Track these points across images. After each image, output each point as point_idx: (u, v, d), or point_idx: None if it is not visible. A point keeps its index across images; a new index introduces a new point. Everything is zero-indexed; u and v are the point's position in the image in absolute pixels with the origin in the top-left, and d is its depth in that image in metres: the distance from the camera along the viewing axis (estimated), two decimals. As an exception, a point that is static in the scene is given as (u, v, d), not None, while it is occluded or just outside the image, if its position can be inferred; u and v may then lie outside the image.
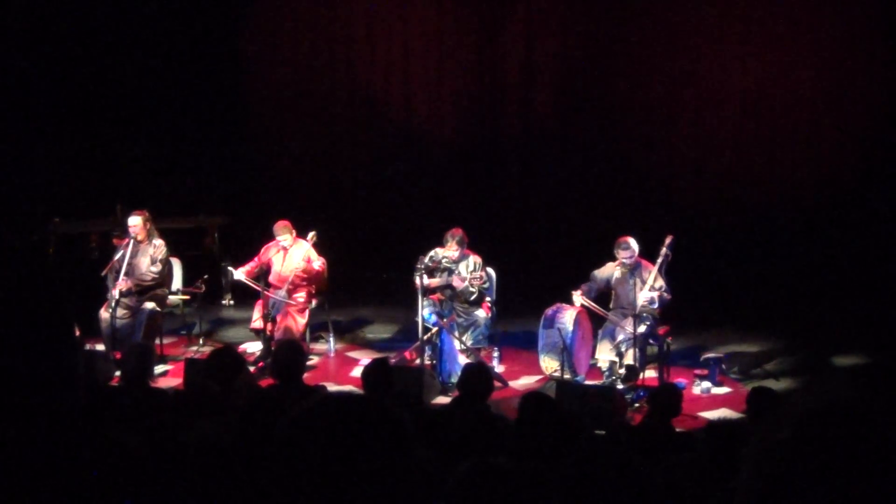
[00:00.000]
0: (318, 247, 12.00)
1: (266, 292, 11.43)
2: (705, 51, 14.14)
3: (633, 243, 10.76)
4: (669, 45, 14.29)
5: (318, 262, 11.79)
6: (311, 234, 11.88)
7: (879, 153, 13.40)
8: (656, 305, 10.62)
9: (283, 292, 11.58)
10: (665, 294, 10.67)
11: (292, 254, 11.81)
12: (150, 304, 11.40)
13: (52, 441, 3.14)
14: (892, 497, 2.07)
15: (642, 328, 10.42)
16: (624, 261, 10.75)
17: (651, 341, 10.67)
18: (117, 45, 15.21)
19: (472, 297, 11.42)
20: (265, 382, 8.94)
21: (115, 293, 11.18)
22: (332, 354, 12.07)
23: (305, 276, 11.74)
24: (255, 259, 11.88)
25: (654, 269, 10.67)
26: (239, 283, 11.84)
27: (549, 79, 15.00)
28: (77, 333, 9.39)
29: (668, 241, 10.74)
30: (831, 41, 13.60)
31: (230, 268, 11.91)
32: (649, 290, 10.58)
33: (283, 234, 11.75)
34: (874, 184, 13.38)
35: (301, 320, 11.60)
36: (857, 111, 13.60)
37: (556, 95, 15.00)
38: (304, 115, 15.91)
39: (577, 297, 10.74)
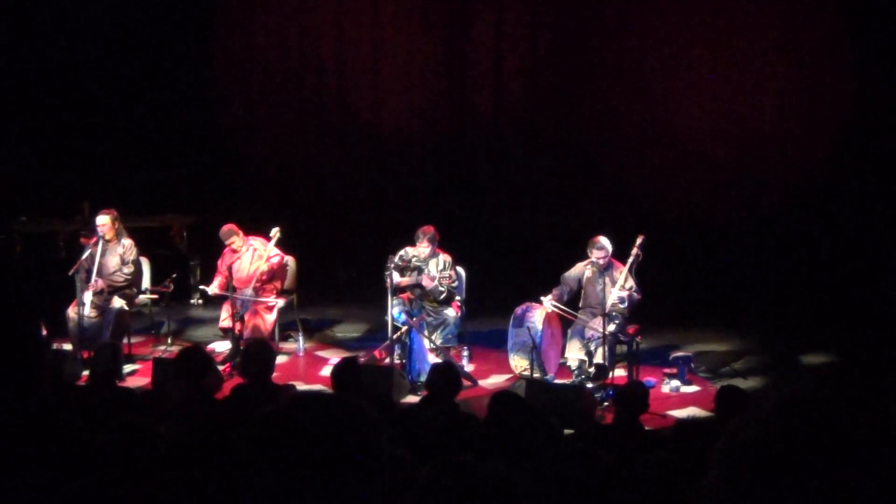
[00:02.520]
0: (284, 244, 12.00)
1: (235, 295, 11.39)
2: (678, 47, 14.20)
3: (606, 243, 10.77)
4: (641, 40, 14.35)
5: (275, 258, 11.80)
6: (273, 231, 11.86)
7: (850, 150, 13.49)
8: (626, 305, 10.65)
9: (249, 290, 11.57)
10: (635, 294, 10.70)
11: (247, 254, 11.82)
12: (118, 303, 11.36)
13: (18, 441, 3.13)
14: (859, 494, 2.09)
15: (612, 327, 10.45)
16: (596, 260, 10.76)
17: (621, 340, 10.70)
18: (84, 40, 15.11)
19: (442, 297, 11.43)
20: (234, 382, 8.91)
21: (89, 294, 11.12)
22: (301, 353, 12.05)
23: (267, 274, 11.74)
24: (218, 271, 11.88)
25: (625, 269, 10.70)
26: (215, 296, 11.83)
27: (519, 75, 15.02)
28: (44, 333, 9.35)
29: (639, 240, 10.77)
30: (805, 36, 13.70)
31: (204, 287, 11.92)
32: (619, 289, 10.62)
33: (230, 238, 11.78)
34: (843, 181, 13.48)
35: (270, 318, 11.59)
36: (824, 110, 13.70)
37: (527, 92, 15.04)
38: (274, 112, 15.86)
39: (548, 303, 10.75)
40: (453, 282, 11.41)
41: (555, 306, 10.76)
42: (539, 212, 14.97)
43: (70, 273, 11.37)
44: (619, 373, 10.67)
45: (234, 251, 11.81)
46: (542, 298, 10.79)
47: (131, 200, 13.56)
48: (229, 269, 11.69)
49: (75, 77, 15.17)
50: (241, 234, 11.85)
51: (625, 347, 10.86)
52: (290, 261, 12.29)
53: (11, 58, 14.75)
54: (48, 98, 15.03)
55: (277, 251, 11.90)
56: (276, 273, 11.92)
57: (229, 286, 11.43)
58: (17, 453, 3.13)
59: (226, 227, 11.83)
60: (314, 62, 15.72)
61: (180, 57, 15.52)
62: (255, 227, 12.13)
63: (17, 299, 2.84)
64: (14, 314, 2.82)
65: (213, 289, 11.74)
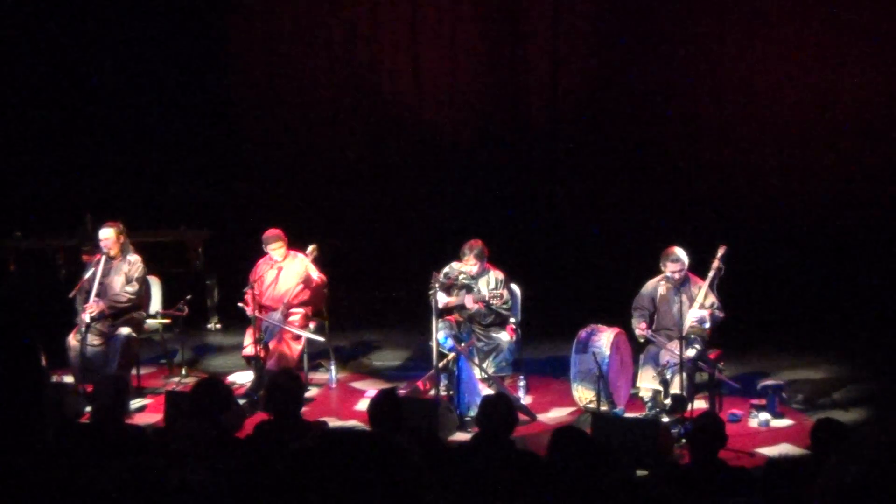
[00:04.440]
0: (318, 263, 12.01)
1: (258, 316, 11.39)
2: (759, 35, 14.14)
3: (682, 255, 10.72)
4: (717, 26, 14.29)
5: (316, 275, 11.81)
6: (310, 248, 11.88)
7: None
8: (707, 325, 10.57)
9: (277, 315, 11.58)
10: (717, 312, 10.63)
11: (287, 270, 11.82)
12: (125, 330, 11.40)
13: (17, 485, 3.16)
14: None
15: (691, 352, 10.38)
16: (671, 275, 10.70)
17: (701, 367, 10.63)
18: (89, 40, 15.27)
19: (489, 320, 11.40)
20: (257, 418, 8.94)
21: (86, 317, 11.18)
22: (333, 385, 12.06)
23: (303, 295, 11.76)
24: (249, 282, 11.84)
25: (705, 285, 10.64)
26: (239, 313, 11.82)
27: (579, 71, 15.01)
28: (43, 363, 9.43)
29: (720, 252, 10.70)
30: (889, 41, 13.63)
31: (242, 305, 11.79)
32: (699, 308, 10.56)
33: (274, 245, 11.75)
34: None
35: (297, 345, 11.60)
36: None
37: (589, 90, 15.01)
38: (300, 114, 15.94)
39: (641, 333, 10.68)
40: (505, 302, 11.38)
41: (652, 337, 10.69)
42: (604, 221, 14.93)
43: (71, 295, 11.46)
44: (699, 404, 10.60)
45: (273, 263, 11.81)
46: (635, 329, 10.74)
47: (139, 212, 13.65)
48: (259, 283, 11.69)
49: (77, 77, 15.33)
50: (286, 242, 11.87)
51: (706, 375, 10.79)
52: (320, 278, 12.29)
53: (8, 57, 14.90)
54: (46, 99, 15.18)
55: (317, 272, 11.91)
56: (310, 297, 11.93)
57: (255, 305, 11.42)
58: (15, 499, 3.15)
59: (271, 232, 11.82)
60: (345, 57, 15.77)
61: (195, 53, 15.63)
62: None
63: (13, 326, 2.87)
64: (9, 343, 2.85)
65: (250, 310, 11.52)
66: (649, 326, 10.76)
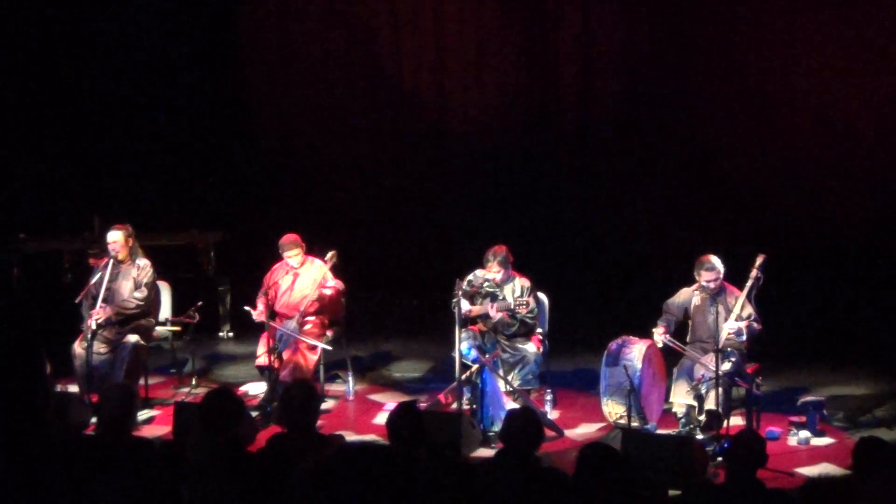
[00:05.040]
0: (337, 269, 12.02)
1: (272, 323, 11.42)
2: (802, 46, 14.10)
3: (717, 263, 10.69)
4: (757, 26, 14.26)
5: (331, 283, 11.81)
6: (329, 254, 11.89)
7: None
8: (744, 338, 10.54)
9: (293, 324, 11.60)
10: (755, 324, 10.60)
11: (304, 276, 11.85)
12: (132, 337, 11.42)
13: (18, 500, 3.18)
14: None
15: (727, 366, 10.33)
16: (706, 284, 10.68)
17: (737, 381, 10.60)
18: (96, 38, 15.34)
19: (513, 329, 11.40)
20: (271, 431, 8.96)
21: (92, 324, 11.21)
22: (350, 397, 12.07)
23: (317, 306, 11.78)
24: (263, 288, 11.90)
25: (742, 295, 10.61)
26: (250, 321, 11.85)
27: (612, 68, 14.99)
28: (48, 371, 9.47)
29: (759, 260, 10.68)
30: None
31: (249, 309, 11.85)
32: (735, 319, 10.53)
33: (292, 251, 11.78)
34: None
35: (313, 356, 11.62)
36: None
37: (621, 88, 14.99)
38: (316, 113, 15.96)
39: (660, 338, 10.68)
40: (531, 310, 11.37)
41: (670, 342, 10.68)
42: (636, 227, 14.90)
43: (77, 300, 11.49)
44: (736, 421, 10.58)
45: (289, 268, 11.85)
46: (654, 331, 10.72)
47: (149, 214, 13.70)
48: (274, 289, 11.73)
49: (83, 73, 15.38)
50: (303, 248, 11.90)
51: (742, 390, 10.76)
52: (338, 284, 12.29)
53: (12, 50, 14.98)
54: (52, 96, 15.24)
55: (334, 280, 11.93)
56: (326, 306, 11.96)
57: (268, 311, 11.47)
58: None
59: (288, 238, 11.83)
60: (364, 52, 15.79)
61: (206, 46, 15.67)
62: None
63: (16, 333, 2.89)
64: (12, 351, 2.87)
65: (257, 314, 11.64)
66: (668, 331, 10.73)
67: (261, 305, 11.63)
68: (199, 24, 15.63)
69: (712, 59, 14.51)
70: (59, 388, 10.98)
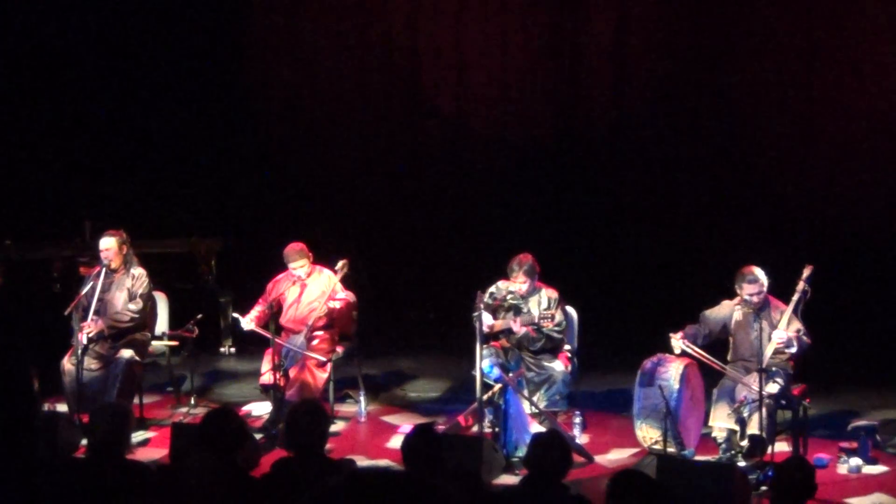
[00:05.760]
0: (347, 280, 12.02)
1: (278, 339, 11.43)
2: (858, 45, 14.10)
3: (761, 275, 10.65)
4: (808, 28, 14.26)
5: (341, 295, 11.81)
6: (340, 264, 11.88)
7: None
8: (794, 349, 10.45)
9: (300, 339, 11.60)
10: (804, 337, 10.55)
11: (312, 287, 11.85)
12: (126, 353, 11.43)
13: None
14: None
15: (771, 386, 10.31)
16: (749, 298, 10.64)
17: (783, 404, 10.58)
18: (93, 32, 15.42)
19: (539, 345, 11.38)
20: (276, 455, 8.96)
21: (83, 338, 11.22)
22: (362, 419, 12.06)
23: (326, 320, 11.78)
24: (263, 298, 11.91)
25: (788, 310, 10.57)
26: (251, 334, 11.86)
27: (648, 62, 15.00)
28: (36, 389, 9.48)
29: (806, 272, 10.64)
30: None
31: (237, 316, 11.90)
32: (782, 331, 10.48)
33: (298, 261, 11.78)
34: None
35: (322, 374, 11.62)
36: None
37: (656, 84, 15.00)
38: (324, 110, 15.99)
39: (677, 342, 10.62)
40: (558, 324, 11.36)
41: (689, 348, 10.64)
42: (672, 234, 14.90)
43: (66, 312, 11.48)
44: (781, 447, 10.55)
45: (301, 280, 11.85)
46: (672, 336, 10.68)
47: (144, 219, 13.72)
48: (279, 301, 11.73)
49: (73, 67, 15.45)
50: (311, 258, 11.89)
51: (788, 414, 10.74)
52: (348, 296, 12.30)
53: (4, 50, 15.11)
54: (39, 89, 15.29)
55: (344, 291, 11.93)
56: (336, 320, 11.96)
57: (270, 324, 11.45)
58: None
59: (293, 247, 11.82)
60: (379, 45, 15.82)
61: (208, 42, 15.72)
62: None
63: (1, 347, 2.90)
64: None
65: (247, 321, 11.72)
66: (691, 340, 10.67)
67: (253, 312, 11.65)
68: (204, 14, 15.66)
69: (757, 56, 14.52)
70: (46, 407, 10.99)
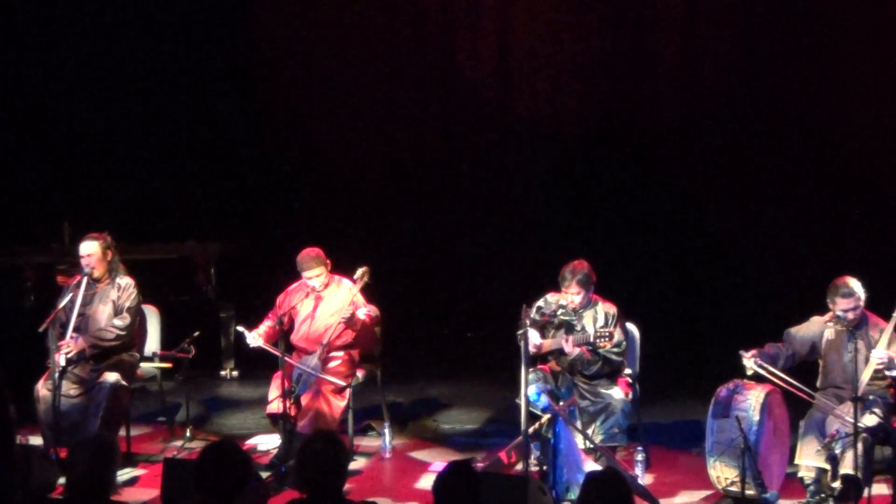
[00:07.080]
0: (369, 291, 11.97)
1: (289, 359, 11.40)
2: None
3: (857, 287, 10.55)
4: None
5: (364, 310, 11.76)
6: (359, 272, 11.82)
7: None
8: (895, 372, 10.40)
9: (314, 360, 11.57)
10: (910, 358, 10.47)
11: (328, 300, 11.81)
12: (111, 377, 11.41)
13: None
14: None
15: (869, 418, 10.25)
16: (843, 314, 10.56)
17: (882, 438, 10.50)
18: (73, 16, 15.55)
19: (594, 369, 11.31)
20: (287, 496, 8.94)
21: (61, 359, 11.21)
22: (387, 454, 12.05)
23: (348, 335, 11.74)
24: (273, 313, 11.87)
25: (889, 327, 10.48)
26: (258, 353, 11.82)
27: (723, 45, 15.03)
28: (12, 417, 9.47)
29: (909, 284, 10.61)
30: None
31: (242, 329, 11.85)
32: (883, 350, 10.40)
33: (313, 269, 11.71)
34: None
35: (339, 402, 11.59)
36: None
37: (735, 71, 15.00)
38: (342, 98, 16.03)
39: (748, 361, 10.54)
40: (617, 345, 11.28)
41: (763, 370, 10.55)
42: (751, 242, 14.88)
43: (41, 329, 11.46)
44: (879, 490, 10.49)
45: (316, 292, 11.80)
46: (741, 354, 10.57)
47: (132, 221, 13.74)
48: (290, 316, 11.70)
49: (54, 57, 15.54)
50: (328, 266, 11.85)
51: (888, 450, 10.66)
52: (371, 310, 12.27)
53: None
54: (13, 78, 15.39)
55: (366, 305, 11.87)
56: (358, 338, 11.90)
57: (280, 343, 11.40)
58: None
59: (308, 253, 11.75)
60: (411, 24, 15.86)
61: (210, 25, 15.80)
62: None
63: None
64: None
65: (254, 336, 11.62)
66: (772, 362, 10.56)
67: (262, 327, 11.61)
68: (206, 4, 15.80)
69: (853, 40, 14.49)
70: (18, 440, 10.97)
